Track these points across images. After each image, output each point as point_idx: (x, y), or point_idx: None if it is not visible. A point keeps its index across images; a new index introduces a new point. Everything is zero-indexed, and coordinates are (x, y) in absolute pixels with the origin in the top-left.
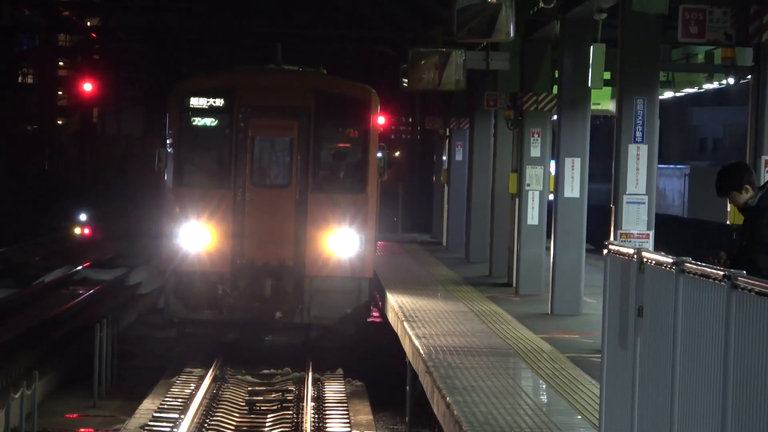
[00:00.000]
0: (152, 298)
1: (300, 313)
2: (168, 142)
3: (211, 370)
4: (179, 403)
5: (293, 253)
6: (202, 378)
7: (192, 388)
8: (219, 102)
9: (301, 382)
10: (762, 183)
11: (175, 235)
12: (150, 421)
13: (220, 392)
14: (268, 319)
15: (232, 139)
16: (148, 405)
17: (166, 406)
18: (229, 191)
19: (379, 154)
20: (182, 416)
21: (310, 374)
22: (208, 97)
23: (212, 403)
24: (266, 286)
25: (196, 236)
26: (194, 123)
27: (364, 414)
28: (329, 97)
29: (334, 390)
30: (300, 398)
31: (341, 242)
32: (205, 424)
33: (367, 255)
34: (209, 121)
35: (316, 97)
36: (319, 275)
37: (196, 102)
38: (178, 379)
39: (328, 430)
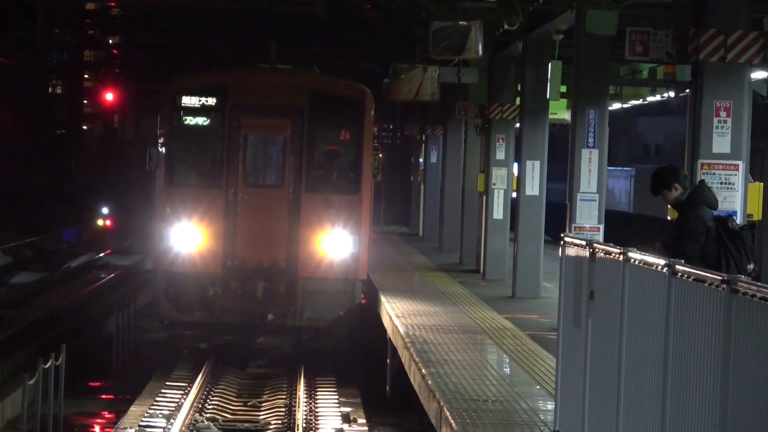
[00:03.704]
0: None
1: (292, 315)
2: (160, 141)
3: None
4: (187, 374)
5: (286, 254)
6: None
7: (195, 367)
8: (211, 101)
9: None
10: (694, 183)
11: (166, 235)
12: (163, 388)
13: (223, 366)
14: (260, 321)
15: (224, 139)
16: (160, 375)
17: (176, 376)
18: (221, 191)
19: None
20: (191, 385)
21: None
22: (200, 95)
23: (216, 371)
24: (258, 287)
25: (188, 237)
26: (186, 122)
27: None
28: (323, 97)
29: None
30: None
31: (335, 243)
32: (212, 391)
33: (361, 257)
34: (201, 120)
35: (309, 96)
36: (313, 277)
37: (188, 100)
38: (184, 358)
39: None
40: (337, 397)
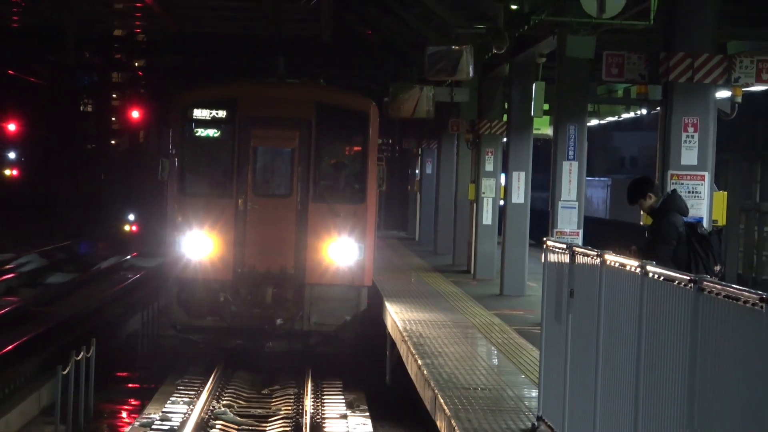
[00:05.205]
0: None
1: (300, 320)
2: (171, 152)
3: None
4: (205, 368)
5: (294, 261)
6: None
7: (212, 362)
8: (221, 113)
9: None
10: (666, 192)
11: (178, 243)
12: (184, 379)
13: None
14: (269, 326)
15: (234, 150)
16: (181, 368)
17: (195, 370)
18: (231, 201)
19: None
20: (208, 377)
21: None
22: (211, 108)
23: (230, 367)
24: (267, 293)
25: (199, 245)
26: (197, 133)
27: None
28: (330, 109)
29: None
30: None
31: (341, 251)
32: (228, 383)
33: (366, 263)
34: (212, 132)
35: (316, 108)
36: (320, 283)
37: (199, 113)
38: (202, 354)
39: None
40: (342, 386)
